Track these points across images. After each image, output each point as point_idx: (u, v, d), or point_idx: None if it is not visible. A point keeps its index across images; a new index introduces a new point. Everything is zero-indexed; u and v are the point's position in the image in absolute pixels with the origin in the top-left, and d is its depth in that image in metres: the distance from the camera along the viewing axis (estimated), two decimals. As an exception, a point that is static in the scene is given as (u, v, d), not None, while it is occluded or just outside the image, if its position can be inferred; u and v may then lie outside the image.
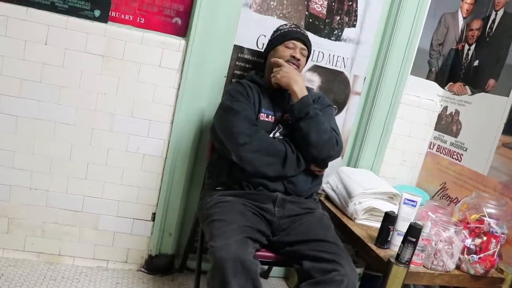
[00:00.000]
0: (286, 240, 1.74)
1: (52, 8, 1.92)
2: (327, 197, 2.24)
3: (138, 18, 2.02)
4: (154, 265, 2.28)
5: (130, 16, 2.01)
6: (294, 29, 1.94)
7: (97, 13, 1.96)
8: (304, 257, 1.64)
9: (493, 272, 1.79)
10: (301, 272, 1.65)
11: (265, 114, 1.88)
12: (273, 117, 1.89)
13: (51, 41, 1.95)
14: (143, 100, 2.10)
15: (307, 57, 1.99)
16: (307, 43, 1.94)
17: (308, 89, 1.95)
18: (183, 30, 2.09)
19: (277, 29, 1.97)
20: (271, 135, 1.85)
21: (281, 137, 1.86)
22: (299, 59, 1.90)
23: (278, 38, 1.93)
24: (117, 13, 1.99)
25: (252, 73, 2.01)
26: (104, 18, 1.98)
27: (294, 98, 1.82)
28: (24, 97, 1.98)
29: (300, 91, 1.82)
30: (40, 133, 2.04)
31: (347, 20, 2.29)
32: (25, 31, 1.91)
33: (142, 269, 2.30)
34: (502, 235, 1.73)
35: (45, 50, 1.95)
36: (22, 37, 1.92)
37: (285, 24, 1.98)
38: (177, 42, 2.07)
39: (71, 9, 1.93)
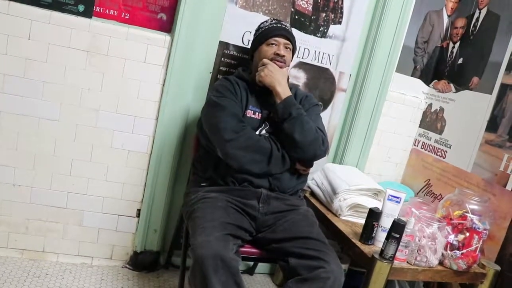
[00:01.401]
0: (272, 237, 1.74)
1: (35, 2, 1.89)
2: (312, 193, 2.25)
3: (123, 14, 2.00)
4: (139, 262, 2.28)
5: (115, 11, 1.99)
6: (274, 25, 1.92)
7: (81, 8, 1.94)
8: (290, 254, 1.65)
9: (475, 267, 1.81)
10: (287, 269, 1.65)
11: (252, 111, 1.88)
12: (260, 114, 1.89)
13: (34, 36, 1.92)
14: (128, 96, 2.08)
15: (293, 51, 1.98)
16: (290, 37, 1.92)
17: (295, 87, 1.95)
18: (168, 26, 2.07)
19: (259, 27, 1.96)
20: (257, 132, 1.85)
21: (267, 135, 1.85)
22: (283, 55, 1.88)
23: (260, 37, 1.92)
24: (101, 8, 1.97)
25: (239, 69, 2.00)
26: (88, 13, 1.96)
27: (277, 99, 1.82)
28: (7, 92, 1.95)
29: (283, 92, 1.82)
30: (24, 129, 2.01)
31: (332, 17, 2.29)
32: (8, 26, 1.88)
33: (127, 266, 2.29)
34: (484, 231, 1.76)
35: (28, 45, 1.92)
36: (5, 32, 1.89)
37: (266, 21, 1.96)
38: (162, 38, 2.06)
39: (55, 4, 1.91)
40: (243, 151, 1.74)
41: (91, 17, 1.97)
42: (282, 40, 1.90)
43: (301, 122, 1.78)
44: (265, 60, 1.87)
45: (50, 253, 2.19)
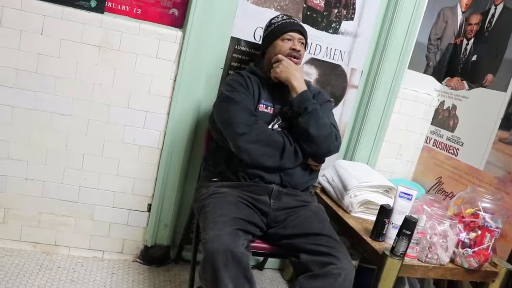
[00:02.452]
0: (282, 233, 1.74)
1: (48, -3, 1.91)
2: (323, 189, 2.24)
3: (135, 9, 2.01)
4: (150, 256, 2.29)
5: (127, 6, 2.00)
6: (287, 20, 1.91)
7: (93, 3, 1.95)
8: (301, 250, 1.65)
9: (487, 266, 1.79)
10: (298, 265, 1.65)
11: (264, 106, 1.88)
12: (272, 108, 1.89)
13: (47, 31, 1.94)
14: (139, 91, 2.09)
15: (305, 46, 1.98)
16: (304, 32, 1.93)
17: (307, 83, 1.94)
18: (180, 21, 2.08)
19: (270, 23, 1.95)
20: (269, 127, 1.85)
21: (279, 129, 1.85)
22: (299, 50, 1.88)
23: (274, 32, 1.91)
24: (113, 4, 1.98)
25: (251, 64, 2.00)
26: (100, 9, 1.96)
27: (293, 93, 1.82)
28: (20, 88, 1.97)
29: (299, 86, 1.82)
30: (36, 123, 2.03)
31: (345, 13, 2.28)
32: (21, 21, 1.90)
33: (138, 260, 2.30)
34: (497, 230, 1.74)
35: (41, 41, 1.94)
36: (18, 27, 1.91)
37: (277, 17, 1.95)
38: (174, 33, 2.06)
39: (67, -1, 1.93)
40: (256, 144, 1.74)
41: (103, 13, 1.98)
42: (296, 35, 1.89)
43: (316, 117, 1.78)
44: (279, 56, 1.86)
45: (62, 247, 2.22)
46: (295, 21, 1.93)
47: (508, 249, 1.93)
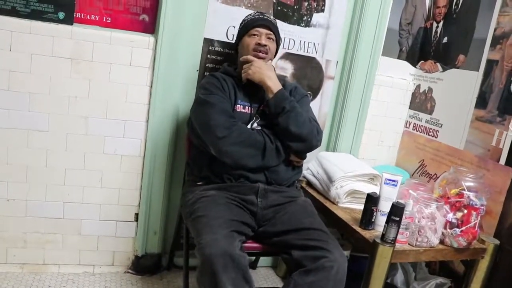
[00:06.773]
0: (273, 231, 1.74)
1: (14, 12, 1.86)
2: (309, 183, 2.25)
3: (105, 18, 1.98)
4: (142, 266, 2.27)
5: (96, 16, 1.97)
6: (257, 16, 1.92)
7: (61, 15, 1.91)
8: (293, 247, 1.64)
9: (475, 243, 1.83)
10: (290, 262, 1.64)
11: (242, 106, 1.87)
12: (249, 108, 1.88)
13: (15, 47, 1.89)
14: (116, 101, 2.06)
15: (278, 43, 1.97)
16: (272, 28, 1.91)
17: (283, 79, 1.94)
18: (151, 27, 2.05)
19: (243, 20, 1.96)
20: (248, 126, 1.84)
21: (259, 128, 1.85)
22: (265, 45, 1.87)
23: (243, 29, 1.92)
24: (82, 14, 1.95)
25: (225, 65, 1.99)
26: (69, 20, 1.93)
27: (269, 94, 1.81)
28: (-8, 107, 1.93)
29: (274, 85, 1.81)
30: (13, 142, 1.99)
31: (315, 6, 2.28)
32: (-12, 39, 1.86)
33: (130, 271, 2.28)
34: (482, 207, 1.77)
35: (10, 57, 1.90)
36: (-15, 45, 1.86)
37: (250, 14, 1.96)
38: (146, 39, 2.04)
39: (34, 13, 1.88)
40: (237, 146, 1.74)
41: (72, 24, 1.94)
42: (263, 31, 1.89)
43: (295, 115, 1.78)
44: (249, 57, 1.86)
45: (51, 265, 2.18)
46: (265, 17, 1.92)
47: (494, 225, 1.97)
